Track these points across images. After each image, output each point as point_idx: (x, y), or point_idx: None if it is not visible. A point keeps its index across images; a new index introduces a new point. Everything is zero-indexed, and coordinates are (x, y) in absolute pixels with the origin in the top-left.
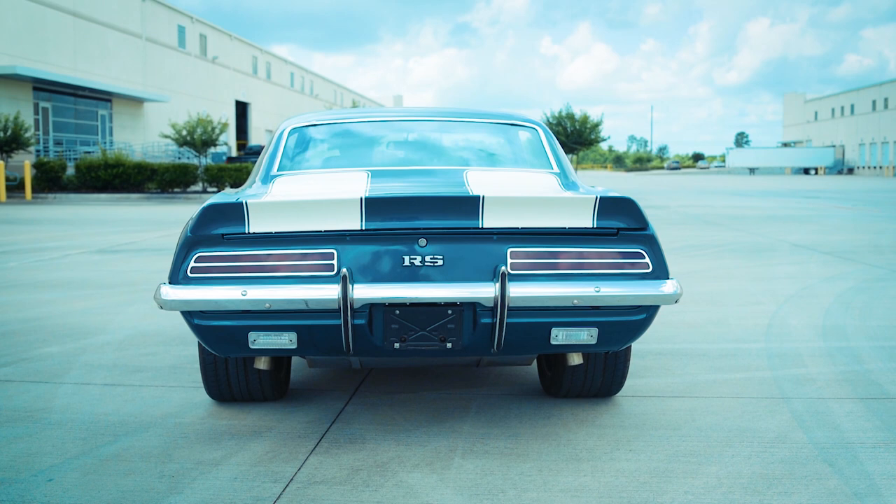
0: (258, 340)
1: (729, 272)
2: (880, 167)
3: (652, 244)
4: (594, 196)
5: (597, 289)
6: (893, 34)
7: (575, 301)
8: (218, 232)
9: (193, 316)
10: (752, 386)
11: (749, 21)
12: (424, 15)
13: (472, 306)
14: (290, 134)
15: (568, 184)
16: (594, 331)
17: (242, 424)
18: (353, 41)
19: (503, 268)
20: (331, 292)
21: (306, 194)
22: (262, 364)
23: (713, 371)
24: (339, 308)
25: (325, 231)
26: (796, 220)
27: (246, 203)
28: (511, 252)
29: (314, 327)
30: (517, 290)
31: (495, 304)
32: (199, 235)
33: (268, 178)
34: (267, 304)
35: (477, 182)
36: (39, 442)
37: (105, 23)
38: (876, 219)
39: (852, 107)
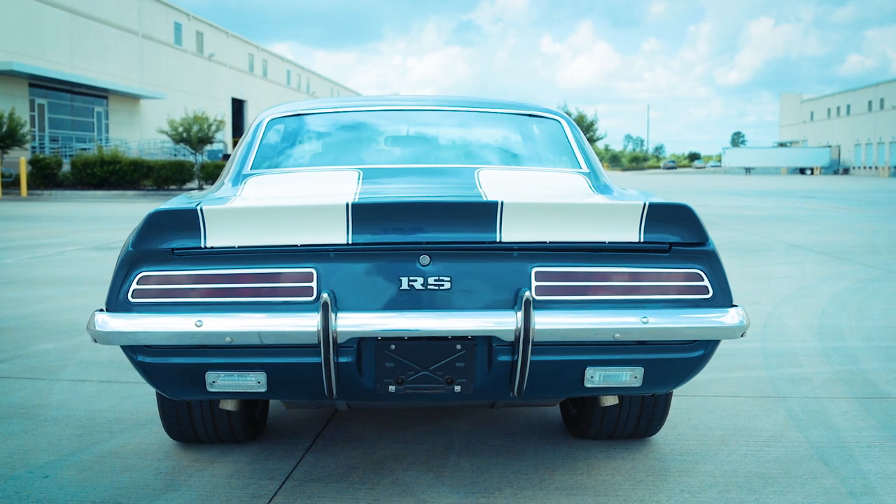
0: (218, 382)
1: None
2: (876, 167)
3: (713, 263)
4: (641, 202)
5: (644, 319)
6: None
7: (616, 335)
8: (167, 246)
9: (137, 352)
10: (749, 385)
11: (752, 20)
12: (429, 12)
13: (486, 341)
14: (268, 125)
15: (600, 186)
16: (639, 370)
17: None
18: (356, 39)
19: (527, 293)
20: (309, 323)
21: (280, 199)
22: (229, 405)
23: (709, 370)
24: (319, 343)
25: (301, 245)
26: (792, 220)
27: (201, 210)
28: (536, 273)
29: (288, 366)
30: (544, 321)
31: (517, 339)
32: (144, 250)
33: (238, 179)
34: (228, 338)
35: (492, 184)
36: (35, 438)
37: (102, 19)
38: (871, 219)
39: (848, 107)
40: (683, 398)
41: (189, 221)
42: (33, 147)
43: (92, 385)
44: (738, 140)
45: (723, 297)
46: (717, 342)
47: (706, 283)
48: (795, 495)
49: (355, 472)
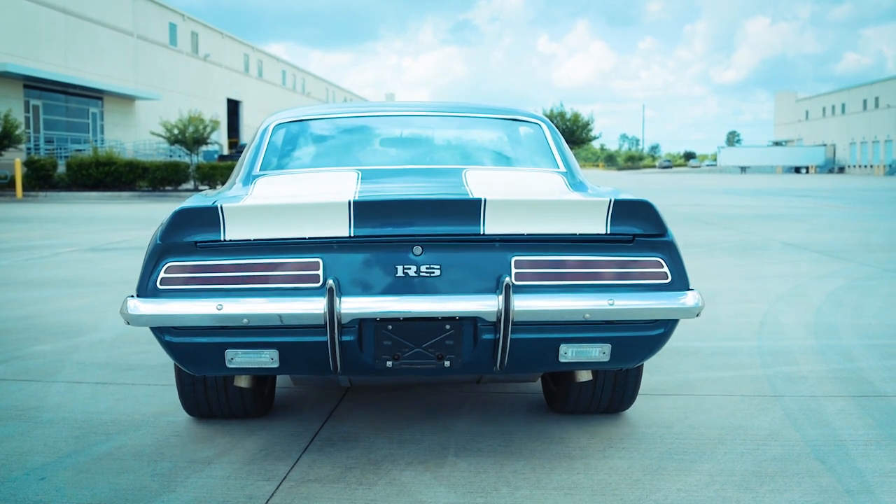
0: (236, 359)
1: (721, 271)
2: (871, 166)
3: (671, 252)
4: (607, 199)
5: (610, 301)
6: (893, 33)
7: (586, 315)
8: (190, 239)
9: (164, 332)
10: (745, 384)
11: (748, 19)
12: (425, 12)
13: (472, 321)
14: (274, 130)
15: (576, 184)
16: (607, 347)
17: (235, 423)
18: (353, 39)
19: (507, 279)
20: (316, 306)
21: (288, 197)
22: (243, 382)
23: (705, 369)
24: (325, 323)
25: (309, 238)
26: (787, 219)
27: (221, 207)
28: (516, 261)
29: (298, 344)
30: (522, 304)
31: (498, 319)
32: (170, 243)
33: (249, 179)
34: (245, 320)
35: (477, 183)
36: (31, 440)
37: (96, 20)
38: (866, 217)
39: (843, 106)
40: (679, 397)
41: (210, 218)
42: (28, 148)
43: (88, 387)
44: (733, 139)
45: (680, 282)
46: (675, 321)
47: (665, 269)
48: (792, 494)
49: (352, 472)
